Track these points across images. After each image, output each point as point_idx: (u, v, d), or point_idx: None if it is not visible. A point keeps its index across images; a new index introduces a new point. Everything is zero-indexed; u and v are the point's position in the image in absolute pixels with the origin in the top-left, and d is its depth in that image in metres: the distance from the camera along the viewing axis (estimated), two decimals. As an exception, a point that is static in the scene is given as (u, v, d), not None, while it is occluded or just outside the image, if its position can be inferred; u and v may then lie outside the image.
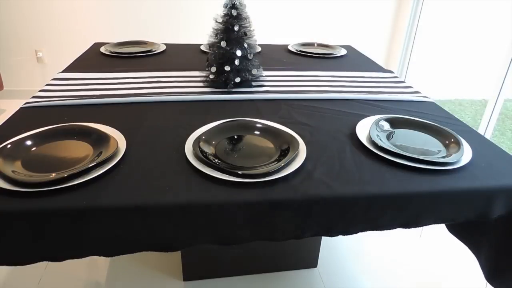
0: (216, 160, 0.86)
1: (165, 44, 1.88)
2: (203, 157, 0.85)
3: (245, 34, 1.28)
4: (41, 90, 1.27)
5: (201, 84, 1.37)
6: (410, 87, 1.45)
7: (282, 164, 0.84)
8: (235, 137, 0.99)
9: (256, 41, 1.33)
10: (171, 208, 0.74)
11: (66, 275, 1.43)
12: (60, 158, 0.87)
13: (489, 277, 0.94)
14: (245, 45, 1.29)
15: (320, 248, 1.56)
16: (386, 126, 1.08)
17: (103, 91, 1.28)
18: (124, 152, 0.88)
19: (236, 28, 1.25)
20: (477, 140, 1.04)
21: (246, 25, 1.28)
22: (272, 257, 1.47)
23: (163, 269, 1.47)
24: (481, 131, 2.38)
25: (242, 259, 1.44)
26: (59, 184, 0.75)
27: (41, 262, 0.75)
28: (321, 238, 1.52)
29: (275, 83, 1.42)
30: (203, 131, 0.98)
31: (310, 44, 1.99)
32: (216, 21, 1.28)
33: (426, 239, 1.74)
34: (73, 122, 1.01)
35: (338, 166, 0.89)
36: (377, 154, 0.93)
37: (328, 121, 1.13)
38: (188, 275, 1.43)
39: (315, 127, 1.08)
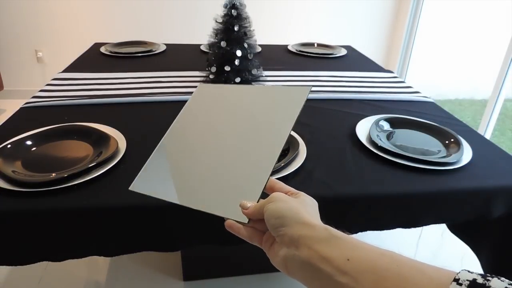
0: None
1: (165, 44, 1.88)
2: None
3: (245, 34, 1.28)
4: (41, 90, 1.27)
5: (201, 84, 1.37)
6: (410, 87, 1.45)
7: (282, 164, 0.84)
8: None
9: (256, 41, 1.33)
10: (172, 208, 0.74)
11: (66, 275, 1.43)
12: (60, 158, 0.87)
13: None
14: (245, 45, 1.29)
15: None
16: (386, 126, 1.08)
17: (103, 91, 1.28)
18: (124, 152, 0.88)
19: (236, 28, 1.25)
20: (477, 140, 1.04)
21: (246, 25, 1.28)
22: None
23: (163, 269, 1.47)
24: (481, 131, 2.38)
25: (242, 259, 1.44)
26: (59, 184, 0.75)
27: (41, 262, 0.75)
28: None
29: (275, 83, 1.41)
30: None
31: (310, 44, 1.99)
32: (216, 21, 1.28)
33: (426, 239, 1.74)
34: (73, 122, 1.01)
35: (338, 166, 0.89)
36: (377, 154, 0.93)
37: (328, 121, 1.13)
38: (188, 275, 1.43)
39: (315, 127, 1.08)
